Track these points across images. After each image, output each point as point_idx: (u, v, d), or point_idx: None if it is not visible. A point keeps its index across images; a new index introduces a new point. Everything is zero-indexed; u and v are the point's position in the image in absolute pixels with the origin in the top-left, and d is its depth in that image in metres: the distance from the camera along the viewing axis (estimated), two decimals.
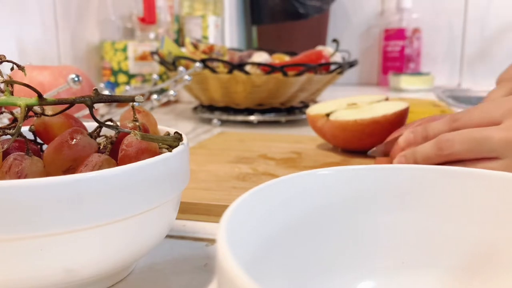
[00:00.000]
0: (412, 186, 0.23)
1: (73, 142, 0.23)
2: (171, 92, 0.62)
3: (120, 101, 0.25)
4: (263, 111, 0.77)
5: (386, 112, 0.48)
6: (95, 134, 0.25)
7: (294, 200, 0.21)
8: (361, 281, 0.22)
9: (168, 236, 0.32)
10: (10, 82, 0.24)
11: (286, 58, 0.86)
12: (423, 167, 0.23)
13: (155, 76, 0.70)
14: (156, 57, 0.81)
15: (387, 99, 0.57)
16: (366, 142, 0.49)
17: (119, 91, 0.98)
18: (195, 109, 0.85)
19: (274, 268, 0.20)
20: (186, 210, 0.35)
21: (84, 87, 0.54)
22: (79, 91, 0.53)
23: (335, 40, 0.83)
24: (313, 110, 0.55)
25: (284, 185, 0.21)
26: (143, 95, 0.67)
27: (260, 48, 1.19)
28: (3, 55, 0.25)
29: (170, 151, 0.24)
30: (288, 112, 0.79)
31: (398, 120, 0.49)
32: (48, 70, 0.53)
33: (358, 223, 0.23)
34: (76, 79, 0.41)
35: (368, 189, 0.23)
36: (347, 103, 0.55)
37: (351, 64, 0.82)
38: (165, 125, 0.29)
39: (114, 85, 0.98)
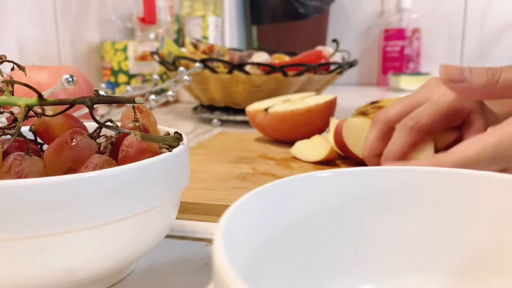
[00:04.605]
0: (413, 188, 0.23)
1: (73, 143, 0.23)
2: (170, 93, 0.62)
3: (120, 102, 0.25)
4: None
5: (318, 102, 0.56)
6: (95, 135, 0.25)
7: (292, 204, 0.21)
8: (361, 285, 0.22)
9: (168, 236, 0.32)
10: (10, 82, 0.24)
11: (286, 58, 0.86)
12: (424, 169, 0.23)
13: (155, 77, 0.70)
14: (156, 57, 0.81)
15: (316, 94, 0.63)
16: (303, 131, 0.55)
17: (119, 91, 0.98)
18: (195, 109, 0.85)
19: (272, 272, 0.20)
20: (186, 210, 0.35)
21: (83, 87, 0.54)
22: (78, 91, 0.53)
23: (335, 40, 0.83)
24: (252, 107, 0.60)
25: (281, 188, 0.21)
26: (143, 96, 0.67)
27: (260, 48, 1.19)
28: (3, 55, 0.25)
29: (170, 151, 0.25)
30: None
31: (329, 108, 0.57)
32: (45, 70, 0.53)
33: (359, 225, 0.23)
34: (70, 79, 0.41)
35: (369, 191, 0.23)
36: (281, 100, 0.61)
37: (351, 64, 0.82)
38: (165, 125, 0.29)
39: (114, 85, 0.98)
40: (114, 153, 0.25)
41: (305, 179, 0.22)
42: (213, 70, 0.72)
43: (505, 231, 0.21)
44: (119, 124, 0.26)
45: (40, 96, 0.24)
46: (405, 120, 0.37)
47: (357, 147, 0.45)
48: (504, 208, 0.21)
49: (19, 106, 0.23)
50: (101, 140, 0.26)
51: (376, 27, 1.54)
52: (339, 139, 0.46)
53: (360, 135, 0.45)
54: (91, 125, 0.29)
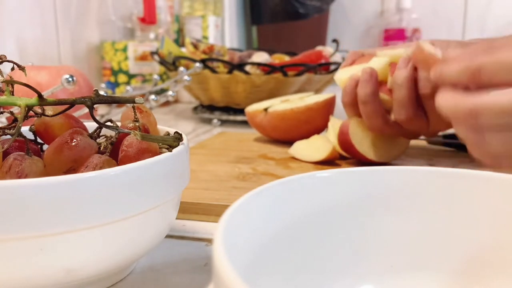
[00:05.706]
0: (413, 188, 0.23)
1: (73, 143, 0.23)
2: (170, 93, 0.62)
3: (120, 102, 0.25)
4: None
5: (317, 100, 0.56)
6: (95, 135, 0.25)
7: (292, 204, 0.21)
8: (361, 285, 0.22)
9: (168, 236, 0.32)
10: (10, 82, 0.24)
11: (286, 58, 0.86)
12: (424, 168, 0.23)
13: (156, 77, 0.70)
14: (156, 57, 0.81)
15: (314, 94, 0.64)
16: (303, 130, 0.56)
17: (119, 91, 0.98)
18: (195, 109, 0.85)
19: (272, 272, 0.20)
20: (186, 210, 0.35)
21: (83, 87, 0.54)
22: (78, 91, 0.53)
23: (335, 40, 0.83)
24: (251, 108, 0.61)
25: (281, 188, 0.21)
26: (143, 96, 0.67)
27: (260, 48, 1.19)
28: (3, 55, 0.25)
29: (170, 151, 0.25)
30: None
31: (328, 106, 0.57)
32: (45, 70, 0.53)
33: (359, 225, 0.23)
34: (70, 79, 0.41)
35: (369, 191, 0.23)
36: (280, 100, 0.61)
37: None
38: (165, 125, 0.29)
39: (114, 85, 0.98)
40: (114, 153, 0.25)
41: (305, 179, 0.22)
42: (213, 70, 0.72)
43: (505, 231, 0.21)
44: (119, 124, 0.26)
45: (40, 96, 0.24)
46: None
47: (364, 147, 0.45)
48: (504, 208, 0.21)
49: (19, 106, 0.23)
50: (101, 140, 0.26)
51: (376, 27, 1.54)
52: (344, 138, 0.45)
53: (366, 134, 0.45)
54: (91, 125, 0.29)
